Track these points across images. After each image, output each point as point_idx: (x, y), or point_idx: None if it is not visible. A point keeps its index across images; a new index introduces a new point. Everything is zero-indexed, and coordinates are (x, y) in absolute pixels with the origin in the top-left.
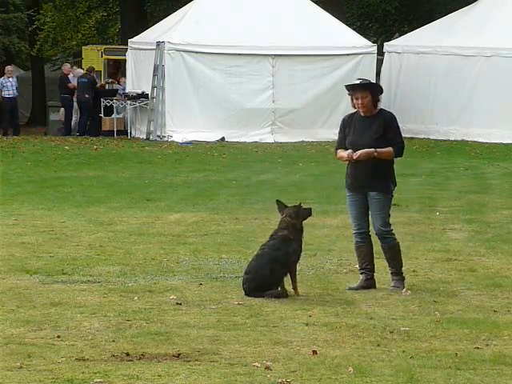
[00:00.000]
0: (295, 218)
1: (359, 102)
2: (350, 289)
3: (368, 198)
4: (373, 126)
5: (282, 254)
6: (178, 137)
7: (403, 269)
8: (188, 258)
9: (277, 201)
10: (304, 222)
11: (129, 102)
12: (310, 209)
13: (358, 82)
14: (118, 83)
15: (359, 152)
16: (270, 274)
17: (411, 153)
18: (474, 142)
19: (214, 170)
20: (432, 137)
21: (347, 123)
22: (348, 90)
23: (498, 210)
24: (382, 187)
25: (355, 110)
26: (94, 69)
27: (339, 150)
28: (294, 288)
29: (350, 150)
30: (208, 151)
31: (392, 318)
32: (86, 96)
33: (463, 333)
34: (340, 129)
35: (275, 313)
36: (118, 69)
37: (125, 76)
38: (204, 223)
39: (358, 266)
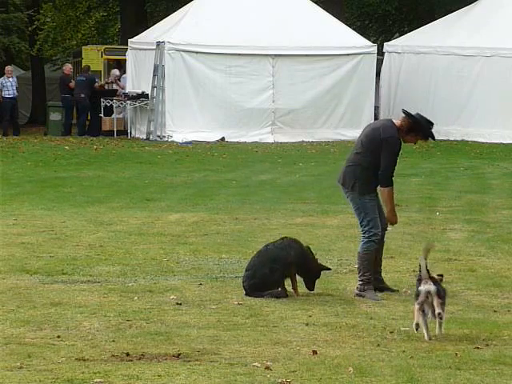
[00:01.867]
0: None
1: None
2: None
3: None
4: None
5: (284, 254)
6: (178, 137)
7: (403, 268)
8: (188, 258)
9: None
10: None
11: (129, 101)
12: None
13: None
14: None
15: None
16: (270, 273)
17: (411, 153)
18: (474, 142)
19: (214, 169)
20: None
21: None
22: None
23: (498, 210)
24: None
25: (396, 129)
26: (89, 68)
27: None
28: (294, 288)
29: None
30: (208, 151)
31: (392, 318)
32: (82, 96)
33: (463, 333)
34: (398, 150)
35: (275, 313)
36: (119, 69)
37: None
38: (204, 223)
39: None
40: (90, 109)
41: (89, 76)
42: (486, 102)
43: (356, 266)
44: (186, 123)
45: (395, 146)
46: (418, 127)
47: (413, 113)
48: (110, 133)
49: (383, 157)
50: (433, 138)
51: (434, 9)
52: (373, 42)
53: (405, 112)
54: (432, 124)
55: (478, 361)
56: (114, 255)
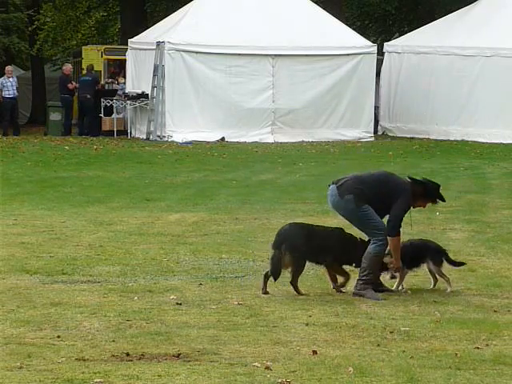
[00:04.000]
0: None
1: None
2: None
3: None
4: None
5: (317, 245)
6: (178, 137)
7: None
8: (188, 258)
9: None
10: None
11: (129, 102)
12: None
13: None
14: (117, 83)
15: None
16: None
17: (411, 153)
18: (474, 142)
19: (214, 169)
20: (432, 137)
21: None
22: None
23: (498, 210)
24: None
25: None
26: (93, 67)
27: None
28: (336, 283)
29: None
30: (208, 151)
31: (392, 318)
32: (88, 97)
33: (463, 333)
34: (410, 205)
35: (275, 313)
36: (121, 69)
37: (124, 76)
38: (204, 223)
39: (368, 275)
40: (93, 109)
41: (93, 75)
42: (486, 102)
43: (361, 265)
44: (185, 123)
45: (409, 200)
46: (430, 193)
47: (419, 178)
48: (110, 133)
49: (396, 205)
50: (443, 200)
51: (434, 9)
52: (373, 42)
53: (412, 179)
54: (439, 186)
55: (478, 361)
56: (114, 255)
